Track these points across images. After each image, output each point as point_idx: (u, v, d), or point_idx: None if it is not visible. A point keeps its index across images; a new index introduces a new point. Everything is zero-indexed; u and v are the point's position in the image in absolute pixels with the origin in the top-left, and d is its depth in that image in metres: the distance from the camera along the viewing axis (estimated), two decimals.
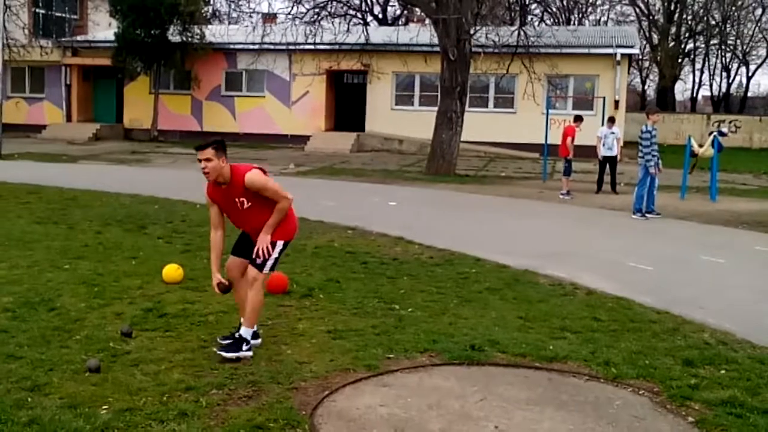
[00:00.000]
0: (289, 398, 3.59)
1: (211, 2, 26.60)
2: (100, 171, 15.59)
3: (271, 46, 22.08)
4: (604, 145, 13.87)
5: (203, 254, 7.02)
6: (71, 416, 3.29)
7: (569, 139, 13.58)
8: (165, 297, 5.40)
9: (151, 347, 4.29)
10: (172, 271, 5.87)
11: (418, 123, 21.48)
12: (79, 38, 27.87)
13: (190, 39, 23.99)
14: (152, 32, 23.64)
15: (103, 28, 28.38)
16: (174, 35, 23.95)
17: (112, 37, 24.36)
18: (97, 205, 10.20)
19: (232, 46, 24.80)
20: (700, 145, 14.00)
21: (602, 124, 15.27)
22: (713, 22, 41.31)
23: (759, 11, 41.18)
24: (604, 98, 19.14)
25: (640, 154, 10.76)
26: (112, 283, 5.79)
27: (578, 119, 14.13)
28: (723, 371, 4.21)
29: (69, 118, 26.64)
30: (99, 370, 3.85)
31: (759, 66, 44.63)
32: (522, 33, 17.59)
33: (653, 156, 10.61)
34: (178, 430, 3.19)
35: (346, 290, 5.80)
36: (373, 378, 3.94)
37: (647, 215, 10.58)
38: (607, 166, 13.95)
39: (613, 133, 14.04)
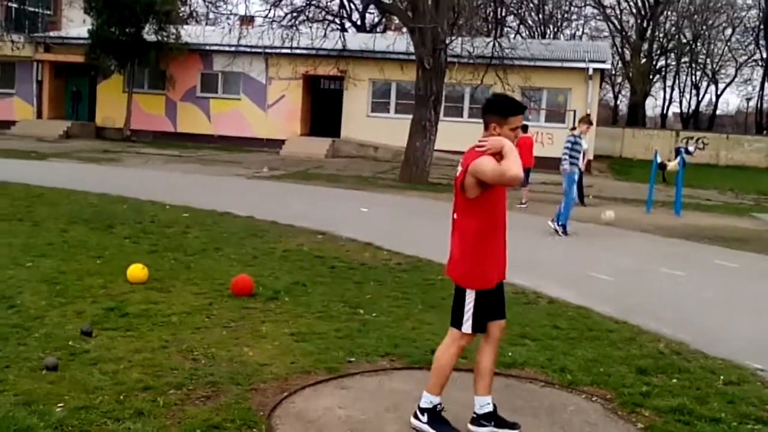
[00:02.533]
0: (248, 399, 3.61)
1: (189, 2, 26.39)
2: (69, 169, 15.37)
3: (248, 49, 22.06)
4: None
5: (170, 255, 7.01)
6: (25, 413, 3.27)
7: (533, 148, 14.00)
8: (128, 297, 5.37)
9: (110, 346, 4.27)
10: (137, 271, 5.84)
11: (394, 130, 21.60)
12: (52, 34, 27.47)
13: (165, 39, 23.80)
14: (127, 30, 23.42)
15: (77, 24, 28.02)
16: (149, 34, 23.74)
17: (85, 34, 24.07)
18: (64, 203, 10.06)
19: (208, 47, 24.69)
20: (669, 160, 14.36)
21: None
22: (684, 41, 42.39)
23: (729, 31, 42.39)
24: (574, 111, 19.49)
25: (574, 161, 10.24)
26: (75, 281, 5.74)
27: (525, 129, 14.49)
28: (675, 380, 4.34)
29: (39, 115, 26.20)
30: (56, 368, 3.82)
31: (728, 85, 45.91)
32: (497, 44, 17.85)
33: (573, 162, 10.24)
34: (134, 429, 3.19)
35: (312, 294, 5.83)
36: (332, 380, 3.98)
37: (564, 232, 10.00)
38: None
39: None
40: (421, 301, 5.84)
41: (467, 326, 3.45)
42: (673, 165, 13.78)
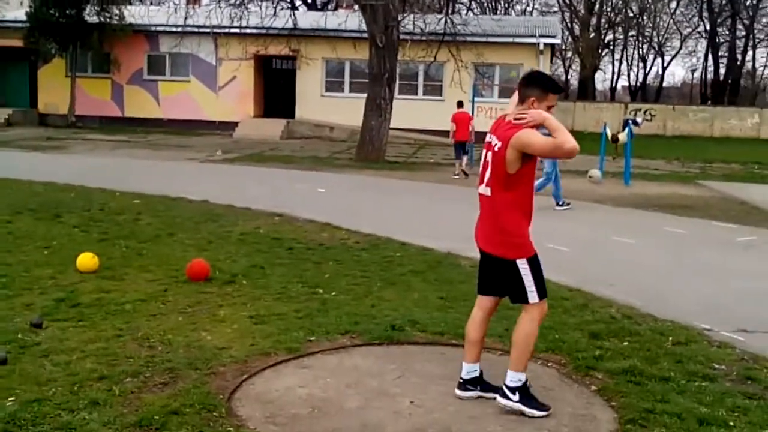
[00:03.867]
0: (207, 383, 3.58)
1: None
2: (11, 158, 14.78)
3: (196, 29, 21.48)
4: None
5: (121, 242, 6.84)
6: None
7: (472, 123, 14.63)
8: (79, 287, 5.23)
9: (62, 338, 4.16)
10: (87, 260, 5.68)
11: (349, 110, 21.45)
12: None
13: (108, 20, 22.96)
14: (67, 12, 22.51)
15: (13, 7, 26.74)
16: (91, 15, 22.86)
17: (23, 17, 23.02)
18: (7, 193, 9.69)
19: (153, 28, 23.94)
20: (619, 133, 14.70)
21: None
22: (631, 14, 43.20)
23: (673, 4, 43.39)
24: None
25: None
26: (22, 273, 5.55)
27: (462, 104, 15.22)
28: (626, 343, 4.48)
29: None
30: (6, 362, 3.71)
31: (673, 57, 47.15)
32: (449, 21, 17.84)
33: None
34: (89, 419, 3.12)
35: (270, 276, 5.79)
36: (293, 360, 3.98)
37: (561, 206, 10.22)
38: None
39: None
40: (380, 278, 5.86)
41: (533, 296, 3.41)
42: (623, 136, 14.13)
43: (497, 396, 3.45)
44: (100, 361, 3.80)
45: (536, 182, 10.04)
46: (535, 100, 3.36)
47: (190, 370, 3.73)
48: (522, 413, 3.37)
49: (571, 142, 3.23)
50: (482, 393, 3.57)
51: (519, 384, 3.41)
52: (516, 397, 3.40)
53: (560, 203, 10.29)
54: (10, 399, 3.30)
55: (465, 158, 14.52)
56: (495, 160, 3.37)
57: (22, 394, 3.36)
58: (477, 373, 3.59)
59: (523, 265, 3.39)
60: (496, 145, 3.37)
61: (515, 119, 3.36)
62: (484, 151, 3.48)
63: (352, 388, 3.64)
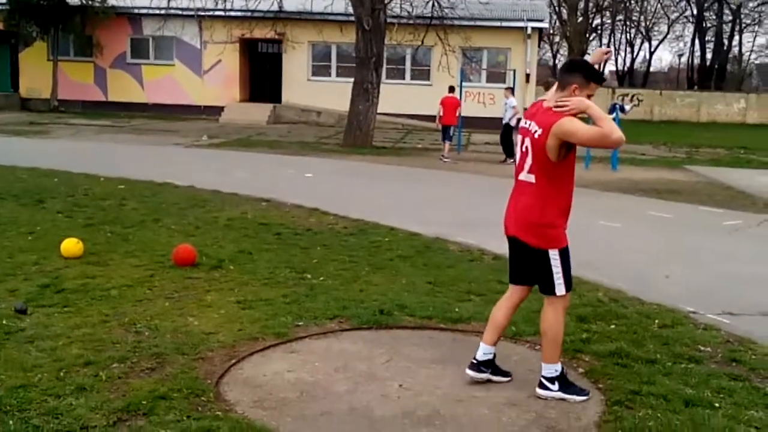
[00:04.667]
0: (195, 368, 3.56)
1: None
2: None
3: (179, 11, 21.15)
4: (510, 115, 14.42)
5: (106, 228, 6.77)
6: None
7: (459, 109, 14.91)
8: (63, 272, 5.17)
9: (47, 323, 4.11)
10: (71, 245, 5.61)
11: (336, 94, 21.31)
12: None
13: (90, 2, 22.56)
14: None
15: None
16: None
17: (3, 0, 22.56)
18: None
19: (136, 11, 23.54)
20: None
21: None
22: None
23: None
24: (514, 71, 19.68)
25: None
26: (6, 259, 5.48)
27: (453, 89, 15.45)
28: (613, 326, 4.52)
29: None
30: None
31: (660, 42, 47.27)
32: (436, 4, 17.72)
33: None
34: (76, 404, 3.09)
35: (258, 261, 5.76)
36: (281, 345, 3.96)
37: None
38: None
39: (505, 103, 14.63)
40: (367, 263, 5.85)
41: (560, 288, 3.40)
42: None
43: (537, 388, 3.44)
44: (86, 347, 3.77)
45: None
46: (576, 87, 3.29)
47: (177, 355, 3.71)
48: (563, 400, 3.38)
49: (617, 132, 3.17)
50: (492, 376, 3.57)
51: (556, 374, 3.43)
52: (555, 387, 3.41)
53: None
54: None
55: (447, 144, 14.74)
56: (535, 147, 3.30)
57: (7, 380, 3.32)
58: (491, 356, 3.58)
59: (554, 256, 3.37)
60: (536, 132, 3.30)
61: (556, 106, 3.29)
62: (521, 137, 3.42)
63: (341, 372, 3.64)
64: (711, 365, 3.91)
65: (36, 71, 24.11)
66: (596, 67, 3.47)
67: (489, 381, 3.57)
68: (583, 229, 8.06)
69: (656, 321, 4.62)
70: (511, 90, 15.38)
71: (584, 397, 3.42)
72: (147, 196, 8.65)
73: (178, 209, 7.92)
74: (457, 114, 14.96)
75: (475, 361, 3.58)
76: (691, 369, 3.82)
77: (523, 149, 3.40)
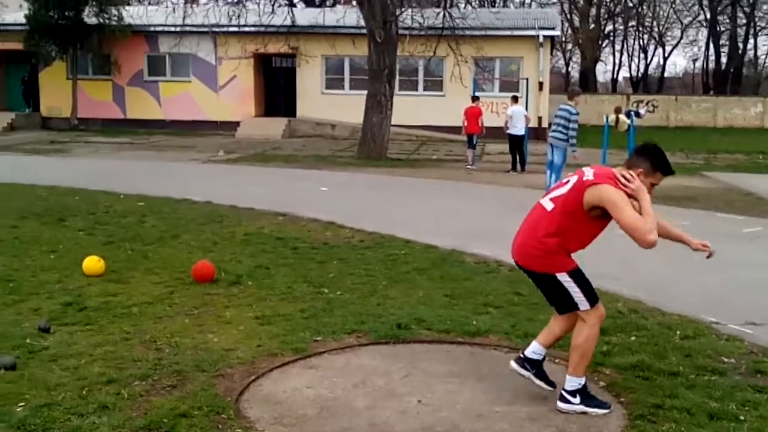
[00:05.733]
0: (215, 385, 3.58)
1: None
2: (15, 162, 14.81)
3: (194, 28, 21.42)
4: (513, 124, 14.38)
5: (127, 245, 6.86)
6: None
7: (481, 118, 15.08)
8: (85, 290, 5.24)
9: (70, 342, 4.17)
10: (93, 263, 5.69)
11: (350, 107, 21.42)
12: None
13: (107, 21, 22.93)
14: (66, 14, 22.50)
15: (12, 10, 26.73)
16: (90, 17, 22.85)
17: (23, 20, 23.02)
18: (12, 197, 9.71)
19: (152, 29, 23.88)
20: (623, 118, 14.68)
21: (526, 106, 15.89)
22: (631, 4, 43.02)
23: None
24: (527, 79, 19.66)
25: (564, 137, 10.21)
26: (29, 278, 5.57)
27: (476, 99, 15.63)
28: (633, 338, 4.47)
29: None
30: (14, 368, 3.72)
31: (674, 47, 46.93)
32: (447, 15, 17.78)
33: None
34: (99, 423, 3.13)
35: (275, 276, 5.79)
36: (300, 361, 3.98)
37: None
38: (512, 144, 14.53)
39: (510, 113, 14.66)
40: (385, 276, 5.86)
41: (584, 305, 3.39)
42: (623, 120, 14.09)
43: (558, 402, 3.43)
44: (108, 365, 3.81)
45: (552, 181, 10.12)
46: (642, 172, 3.32)
47: (197, 372, 3.74)
48: (584, 414, 3.37)
49: (654, 235, 3.19)
50: (534, 378, 3.54)
51: (579, 387, 3.41)
52: (577, 400, 3.39)
53: None
54: (20, 404, 3.32)
55: (471, 152, 14.99)
56: (577, 186, 3.31)
57: (31, 399, 3.37)
58: (540, 358, 3.56)
59: (564, 278, 3.36)
60: (587, 176, 3.32)
61: (621, 176, 3.29)
62: (571, 174, 3.44)
63: (360, 387, 3.64)
64: (735, 377, 3.86)
65: (56, 90, 24.53)
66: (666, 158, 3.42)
67: (530, 381, 3.53)
68: (600, 239, 7.99)
69: (678, 332, 4.57)
70: (516, 99, 15.41)
71: (606, 411, 3.39)
72: (166, 213, 8.75)
73: (196, 225, 8.00)
74: (480, 123, 15.13)
75: (521, 356, 3.57)
76: (714, 381, 3.77)
77: (564, 180, 3.43)
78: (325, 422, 3.26)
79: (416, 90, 23.85)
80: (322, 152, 18.16)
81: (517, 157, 14.43)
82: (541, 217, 3.39)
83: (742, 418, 3.32)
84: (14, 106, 25.39)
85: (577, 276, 3.38)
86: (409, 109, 21.80)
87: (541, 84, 22.98)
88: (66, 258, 6.22)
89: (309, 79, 24.12)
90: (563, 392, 3.43)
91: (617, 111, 14.39)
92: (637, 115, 14.79)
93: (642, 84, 46.39)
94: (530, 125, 15.89)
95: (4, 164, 14.19)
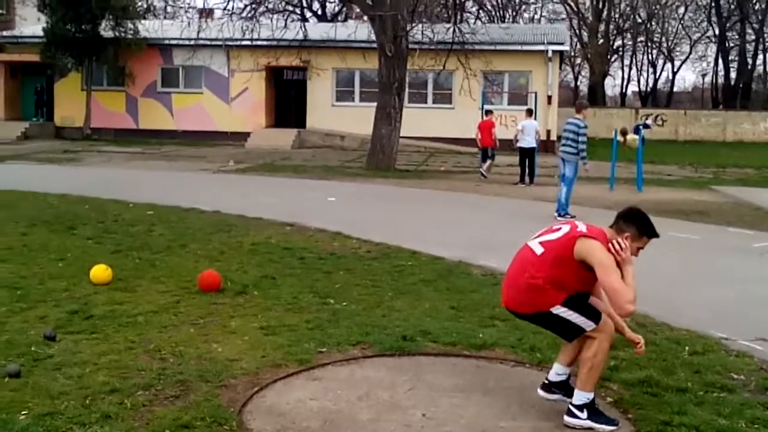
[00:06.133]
0: (218, 396, 3.57)
1: None
2: (28, 171, 14.95)
3: (208, 42, 21.65)
4: (524, 137, 14.37)
5: (134, 254, 6.88)
6: None
7: (494, 130, 15.26)
8: (92, 298, 5.25)
9: (75, 350, 4.17)
10: (100, 271, 5.71)
11: (359, 119, 21.50)
12: (5, 33, 26.64)
13: (123, 34, 23.25)
14: (83, 27, 22.84)
15: (31, 23, 27.18)
16: (106, 30, 23.17)
17: (40, 33, 23.38)
18: (23, 205, 9.79)
19: (167, 42, 24.19)
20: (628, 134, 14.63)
21: (535, 119, 15.93)
22: (639, 20, 43.04)
23: (682, 9, 43.15)
24: (536, 93, 19.68)
25: (574, 150, 10.10)
26: (37, 285, 5.59)
27: (490, 113, 15.76)
28: None
29: None
30: (19, 375, 3.72)
31: (683, 62, 46.81)
32: (457, 30, 17.87)
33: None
34: None
35: (282, 286, 5.78)
36: (304, 372, 3.96)
37: (562, 217, 9.82)
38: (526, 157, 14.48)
39: (521, 126, 14.65)
40: (391, 288, 5.84)
41: (588, 325, 3.37)
42: (632, 138, 14.05)
43: (565, 416, 3.39)
44: (112, 374, 3.81)
45: (563, 195, 10.08)
46: (629, 236, 3.36)
47: (201, 383, 3.73)
48: (591, 429, 3.34)
49: (634, 305, 3.26)
50: (565, 398, 3.51)
51: (587, 401, 3.37)
52: (584, 415, 3.36)
53: (563, 213, 10.04)
54: (23, 413, 3.31)
55: (487, 162, 15.18)
56: (570, 235, 3.34)
57: (34, 407, 3.37)
58: (565, 377, 3.55)
59: (559, 310, 3.35)
60: (580, 228, 3.37)
61: (613, 241, 3.32)
62: (563, 222, 3.50)
63: (364, 400, 3.62)
64: (744, 394, 3.80)
65: (70, 101, 24.80)
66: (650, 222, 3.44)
67: (563, 401, 3.51)
68: None
69: (686, 348, 4.51)
70: (531, 112, 15.43)
71: (613, 427, 3.35)
72: (174, 222, 8.79)
73: (204, 234, 8.02)
74: (493, 136, 15.29)
75: (546, 382, 3.56)
76: (723, 398, 3.71)
77: (556, 227, 3.46)
78: None
79: (425, 102, 23.94)
80: (331, 163, 18.21)
81: (527, 170, 14.42)
82: (530, 261, 3.40)
83: None
84: (29, 116, 25.70)
85: (572, 303, 3.35)
86: (418, 121, 21.86)
87: (549, 98, 22.99)
88: (74, 266, 6.25)
89: (319, 91, 24.27)
90: (571, 407, 3.40)
91: (624, 133, 14.32)
92: (646, 126, 14.73)
93: (651, 98, 46.28)
94: (540, 138, 15.92)
95: (17, 172, 14.32)
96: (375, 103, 17.35)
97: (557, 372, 3.55)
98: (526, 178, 14.39)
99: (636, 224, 3.39)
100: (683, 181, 15.57)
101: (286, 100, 25.73)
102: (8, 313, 4.85)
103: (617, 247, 3.31)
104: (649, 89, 47.67)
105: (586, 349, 3.39)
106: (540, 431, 3.33)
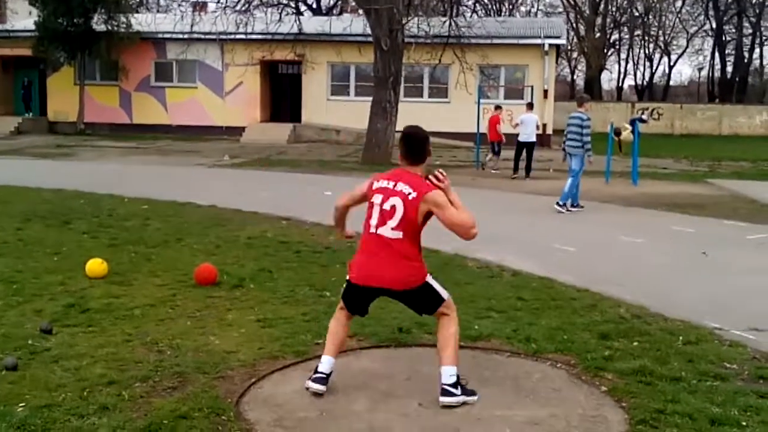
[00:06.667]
0: (215, 387, 3.58)
1: None
2: (22, 166, 14.90)
3: (202, 36, 21.57)
4: (523, 131, 14.40)
5: (130, 248, 6.88)
6: None
7: (499, 126, 15.37)
8: (88, 292, 5.26)
9: (72, 343, 4.18)
10: (96, 265, 5.71)
11: (355, 113, 21.49)
12: None
13: (116, 28, 23.14)
14: (75, 21, 22.72)
15: (22, 16, 27.02)
16: (99, 24, 23.06)
17: (32, 26, 23.23)
18: (17, 200, 9.77)
19: (160, 35, 24.08)
20: (624, 129, 14.69)
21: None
22: (636, 14, 43.05)
23: (679, 3, 43.18)
24: (532, 87, 19.69)
25: (579, 144, 10.18)
26: (32, 279, 5.59)
27: (498, 108, 15.76)
28: (636, 343, 4.45)
29: None
30: (16, 368, 3.73)
31: (680, 56, 46.94)
32: (453, 23, 17.84)
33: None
34: (99, 424, 3.13)
35: (278, 279, 5.80)
36: (301, 363, 3.98)
37: (573, 209, 10.14)
38: (524, 151, 14.48)
39: (520, 120, 14.65)
40: None
41: (444, 293, 3.61)
42: (626, 134, 14.11)
43: (441, 397, 3.44)
44: (109, 366, 3.82)
45: (567, 186, 10.19)
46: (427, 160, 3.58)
47: (198, 374, 3.74)
48: (465, 404, 3.46)
49: (476, 227, 3.47)
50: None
51: (456, 379, 3.49)
52: (459, 392, 3.47)
53: (574, 204, 10.24)
54: (20, 405, 3.32)
55: (489, 155, 15.63)
56: (409, 205, 3.45)
57: (32, 399, 3.38)
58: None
59: (430, 279, 3.58)
60: (411, 194, 3.45)
61: (431, 177, 3.49)
62: (380, 196, 3.52)
63: (361, 390, 3.64)
64: (737, 383, 3.84)
65: (63, 95, 24.70)
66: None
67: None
68: (604, 244, 8.02)
69: (680, 338, 4.54)
70: (531, 106, 15.46)
71: (477, 397, 3.51)
72: (170, 216, 8.78)
73: (200, 228, 8.02)
74: (498, 131, 15.52)
75: (325, 375, 3.55)
76: (717, 387, 3.75)
77: (387, 207, 3.49)
78: (325, 425, 3.26)
79: (421, 96, 23.91)
80: (327, 157, 18.19)
81: (523, 164, 14.45)
82: (397, 248, 3.47)
83: (744, 423, 3.30)
84: (22, 111, 25.59)
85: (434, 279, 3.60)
86: (414, 115, 21.69)
87: (546, 92, 22.99)
88: (69, 260, 6.24)
89: (315, 85, 24.21)
90: (446, 386, 3.45)
91: (617, 134, 14.41)
92: (642, 121, 14.76)
93: (647, 92, 46.34)
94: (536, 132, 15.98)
95: (11, 167, 14.27)
96: (370, 98, 17.32)
97: (331, 365, 3.58)
98: (521, 171, 14.41)
99: (426, 147, 3.57)
100: (679, 175, 15.62)
101: (281, 95, 25.67)
102: (5, 307, 4.86)
103: (436, 181, 3.48)
104: (645, 83, 47.75)
105: (447, 328, 3.55)
106: (534, 420, 3.35)
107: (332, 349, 3.64)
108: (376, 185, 3.59)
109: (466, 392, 3.50)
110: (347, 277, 3.67)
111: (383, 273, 3.51)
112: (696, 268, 6.82)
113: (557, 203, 10.12)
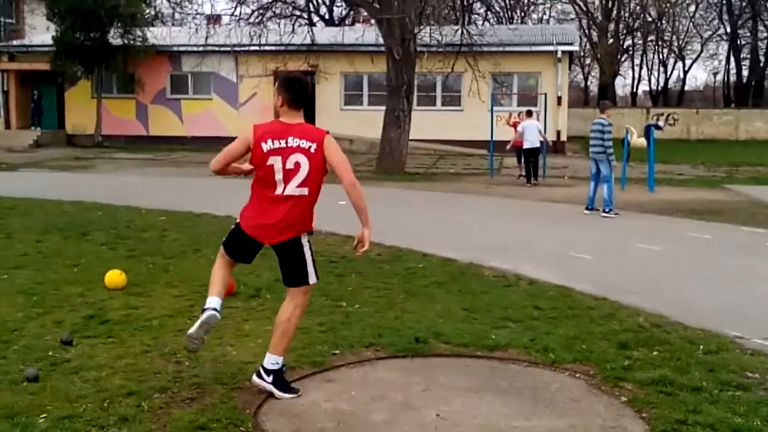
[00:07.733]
0: (233, 398, 3.60)
1: (153, 4, 25.96)
2: (41, 178, 15.11)
3: (216, 48, 21.80)
4: (526, 138, 14.37)
5: (148, 259, 6.94)
6: (8, 426, 3.22)
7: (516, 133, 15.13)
8: (107, 303, 5.31)
9: (91, 354, 4.22)
10: (114, 276, 5.77)
11: (368, 122, 21.54)
12: (15, 43, 26.95)
13: (132, 41, 23.45)
14: (92, 35, 23.05)
15: (40, 31, 27.47)
16: (115, 38, 23.38)
17: (50, 41, 23.62)
18: (37, 213, 9.89)
19: (175, 48, 24.37)
20: (639, 136, 14.60)
21: (538, 119, 15.96)
22: (649, 19, 42.81)
23: (692, 7, 42.90)
24: (545, 94, 19.64)
25: (602, 149, 10.38)
26: (52, 291, 5.65)
27: (529, 114, 15.42)
28: (655, 352, 4.41)
29: (8, 125, 25.71)
30: (37, 379, 3.77)
31: (694, 60, 46.51)
32: (465, 32, 17.87)
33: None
34: None
35: None
36: (318, 374, 3.99)
37: (608, 214, 10.20)
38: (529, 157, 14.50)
39: (522, 127, 14.63)
40: (403, 290, 5.86)
41: (312, 275, 3.72)
42: (636, 140, 14.01)
43: (253, 377, 3.64)
44: (128, 377, 3.85)
45: (605, 193, 10.22)
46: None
47: (216, 385, 3.76)
48: (272, 395, 3.58)
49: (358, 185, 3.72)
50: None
51: (276, 367, 3.60)
52: (270, 379, 3.60)
53: (607, 209, 10.32)
54: (42, 416, 3.36)
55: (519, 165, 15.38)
56: (316, 159, 3.60)
57: (53, 410, 3.41)
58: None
59: (305, 240, 3.66)
60: (311, 146, 3.59)
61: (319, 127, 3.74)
62: (279, 157, 3.56)
63: (378, 401, 3.64)
64: (760, 392, 3.79)
65: (81, 108, 25.04)
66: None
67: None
68: (620, 251, 7.96)
69: (701, 347, 4.49)
70: (530, 113, 15.43)
71: (293, 395, 3.59)
72: (187, 227, 8.85)
73: (216, 239, 8.00)
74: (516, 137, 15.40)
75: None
76: (739, 397, 3.70)
77: (292, 165, 3.56)
78: None
79: (434, 105, 23.94)
80: None
81: (532, 169, 14.44)
82: (305, 203, 3.64)
83: None
84: (41, 124, 25.96)
85: (310, 242, 3.65)
86: (428, 123, 21.87)
87: (559, 99, 22.92)
88: (88, 272, 6.31)
89: (328, 95, 24.34)
90: (261, 368, 3.62)
91: (658, 128, 14.41)
92: (657, 128, 14.66)
93: (662, 97, 46.01)
94: (547, 139, 15.94)
95: (31, 180, 14.48)
96: (384, 107, 17.38)
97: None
98: (538, 178, 14.45)
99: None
100: (695, 181, 15.48)
101: None
102: (25, 319, 4.92)
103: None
104: (660, 88, 47.40)
105: (285, 316, 3.63)
106: (554, 430, 3.33)
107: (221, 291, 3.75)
108: (266, 147, 3.58)
109: (283, 388, 3.59)
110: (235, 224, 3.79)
111: (273, 226, 3.62)
112: (714, 276, 6.74)
113: (603, 211, 10.30)
